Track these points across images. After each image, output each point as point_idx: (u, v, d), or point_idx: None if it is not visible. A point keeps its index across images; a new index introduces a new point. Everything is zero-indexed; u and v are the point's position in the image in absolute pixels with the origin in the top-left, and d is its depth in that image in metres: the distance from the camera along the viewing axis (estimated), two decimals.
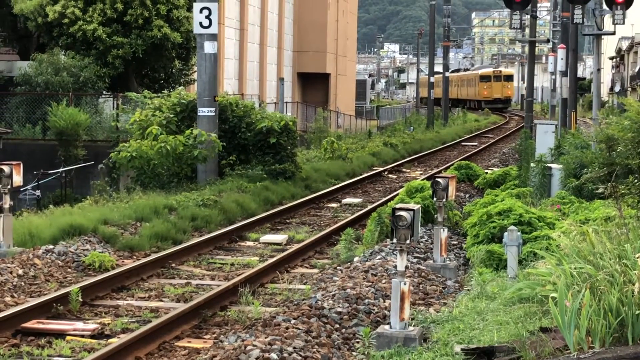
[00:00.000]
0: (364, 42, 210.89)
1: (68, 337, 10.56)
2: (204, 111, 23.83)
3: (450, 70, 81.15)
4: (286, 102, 47.09)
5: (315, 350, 9.44)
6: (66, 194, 28.54)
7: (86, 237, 15.69)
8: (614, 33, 27.25)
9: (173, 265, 14.86)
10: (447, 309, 10.74)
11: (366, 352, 9.52)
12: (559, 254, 9.25)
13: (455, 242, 15.94)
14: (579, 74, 64.35)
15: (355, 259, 14.33)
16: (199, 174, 23.45)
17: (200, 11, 23.58)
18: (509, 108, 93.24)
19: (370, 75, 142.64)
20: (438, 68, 67.03)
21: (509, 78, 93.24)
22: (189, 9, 34.47)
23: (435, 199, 13.36)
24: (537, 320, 8.93)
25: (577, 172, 18.26)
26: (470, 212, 16.75)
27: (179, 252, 15.44)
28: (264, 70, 58.47)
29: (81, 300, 11.80)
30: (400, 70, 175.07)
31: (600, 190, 10.43)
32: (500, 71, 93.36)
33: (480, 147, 45.21)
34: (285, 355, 8.98)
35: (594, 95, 26.82)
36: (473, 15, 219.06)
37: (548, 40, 52.43)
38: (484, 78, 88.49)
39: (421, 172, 32.29)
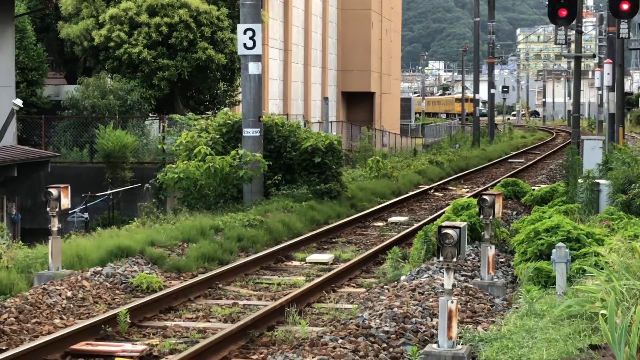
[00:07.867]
0: (408, 60, 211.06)
1: (117, 359, 10.61)
2: (249, 132, 23.89)
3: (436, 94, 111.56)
4: (331, 122, 47.20)
5: None
6: (114, 216, 28.78)
7: (134, 259, 15.76)
8: None
9: (220, 285, 14.88)
10: (495, 327, 10.66)
11: None
12: (608, 270, 9.16)
13: (502, 260, 15.83)
14: (626, 88, 63.95)
15: (402, 277, 14.28)
16: (245, 194, 23.50)
17: (244, 32, 23.68)
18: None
19: (415, 93, 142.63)
20: (483, 85, 66.80)
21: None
22: (233, 30, 34.70)
23: (481, 216, 13.30)
24: (587, 338, 8.84)
25: (626, 188, 18.09)
26: (518, 229, 16.64)
27: (225, 272, 15.46)
28: (308, 90, 58.62)
29: (129, 321, 11.84)
30: (445, 88, 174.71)
31: None
32: (469, 95, 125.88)
33: (527, 164, 44.96)
34: None
35: None
36: (518, 31, 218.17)
37: (594, 56, 52.10)
38: (458, 100, 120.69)
39: (467, 189, 32.15)
